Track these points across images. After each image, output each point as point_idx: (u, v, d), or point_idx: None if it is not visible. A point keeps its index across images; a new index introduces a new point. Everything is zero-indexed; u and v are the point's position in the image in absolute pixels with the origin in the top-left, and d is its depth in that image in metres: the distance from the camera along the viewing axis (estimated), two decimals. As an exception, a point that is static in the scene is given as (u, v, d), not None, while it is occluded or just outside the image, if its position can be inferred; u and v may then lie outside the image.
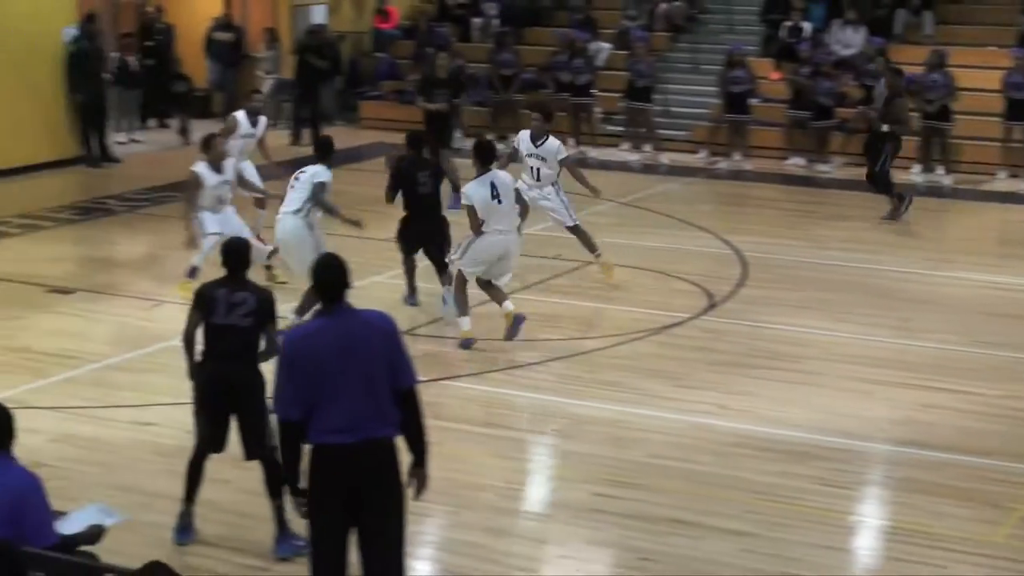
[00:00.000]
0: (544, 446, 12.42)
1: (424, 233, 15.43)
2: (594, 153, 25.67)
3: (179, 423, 12.01)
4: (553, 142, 16.97)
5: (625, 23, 28.41)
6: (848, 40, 26.12)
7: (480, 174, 14.52)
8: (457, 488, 10.76)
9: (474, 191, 14.38)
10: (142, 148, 25.94)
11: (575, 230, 17.04)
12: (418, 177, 15.39)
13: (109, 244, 18.12)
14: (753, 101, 24.98)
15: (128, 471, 11.25)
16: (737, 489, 11.01)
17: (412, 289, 15.77)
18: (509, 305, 14.55)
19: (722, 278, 17.17)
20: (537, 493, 11.46)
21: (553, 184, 17.00)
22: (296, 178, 14.90)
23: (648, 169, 24.82)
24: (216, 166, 15.53)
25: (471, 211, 14.33)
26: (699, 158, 25.14)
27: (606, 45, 28.03)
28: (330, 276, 8.01)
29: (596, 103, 26.31)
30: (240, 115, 17.45)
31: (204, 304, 9.93)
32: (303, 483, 7.99)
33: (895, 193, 20.51)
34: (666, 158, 25.12)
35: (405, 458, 8.07)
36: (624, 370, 13.83)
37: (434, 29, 29.27)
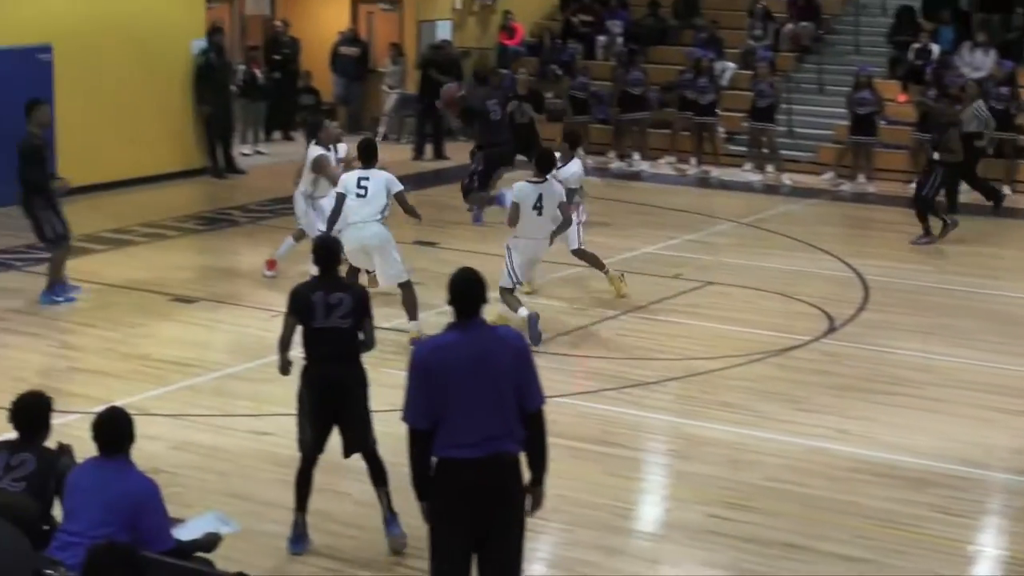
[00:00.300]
0: (659, 466, 12.35)
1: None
2: (716, 172, 25.56)
3: (295, 433, 12.10)
4: (568, 167, 17.06)
5: (751, 43, 28.27)
6: (978, 63, 25.78)
7: (536, 180, 15.08)
8: (571, 506, 10.73)
9: (522, 192, 14.96)
10: (266, 160, 26.19)
11: (579, 253, 17.02)
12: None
13: (232, 254, 18.30)
14: (879, 123, 24.72)
15: (244, 480, 11.34)
16: (853, 515, 10.88)
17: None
18: (524, 311, 14.80)
19: (843, 301, 16.99)
20: (651, 513, 11.40)
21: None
22: (361, 187, 14.87)
23: (770, 190, 24.67)
24: (329, 149, 16.30)
25: (514, 207, 14.95)
26: (824, 179, 24.91)
27: (731, 64, 27.93)
28: (467, 290, 7.98)
29: (720, 122, 26.20)
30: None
31: (301, 309, 9.99)
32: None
33: (942, 216, 20.30)
34: (789, 179, 24.94)
35: (525, 475, 8.06)
36: (742, 391, 13.73)
37: (558, 46, 29.30)
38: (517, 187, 15.16)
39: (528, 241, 15.15)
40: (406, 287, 15.08)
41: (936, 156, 20.24)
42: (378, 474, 10.11)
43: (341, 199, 14.90)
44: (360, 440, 10.04)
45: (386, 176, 15.05)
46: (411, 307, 15.04)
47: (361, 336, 10.08)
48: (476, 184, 21.19)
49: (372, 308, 10.13)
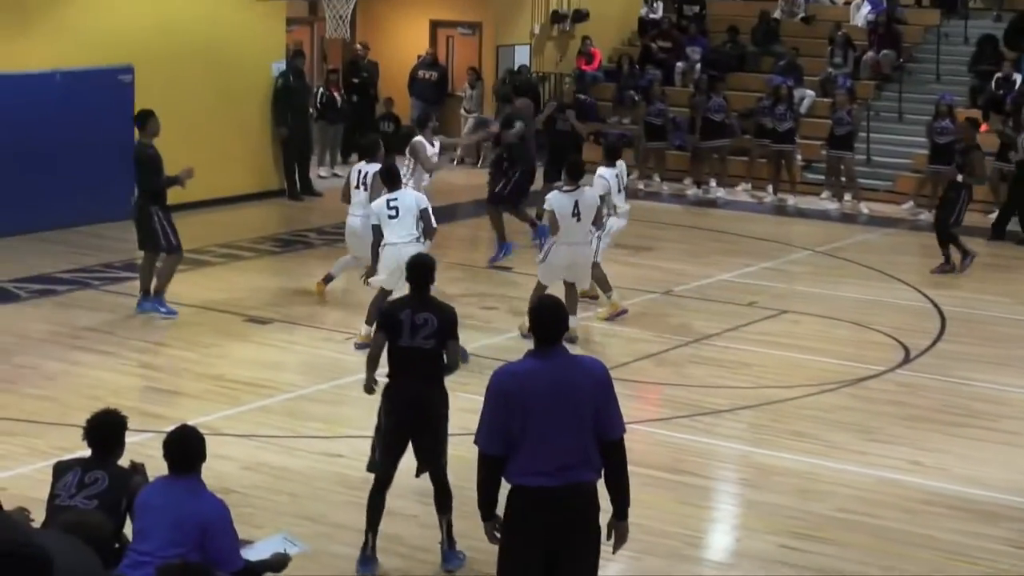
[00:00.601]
0: (730, 495, 12.29)
1: None
2: (792, 201, 25.44)
3: (366, 455, 12.11)
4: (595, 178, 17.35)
5: (830, 71, 28.16)
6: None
7: (569, 189, 15.78)
8: (641, 534, 10.65)
9: (558, 203, 15.66)
10: (342, 183, 26.24)
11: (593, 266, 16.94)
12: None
13: (307, 276, 18.38)
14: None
15: (314, 501, 11.37)
16: (925, 547, 10.78)
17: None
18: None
19: (919, 331, 16.87)
20: (721, 542, 11.34)
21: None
22: (392, 208, 15.01)
23: (847, 218, 24.53)
24: (431, 140, 17.63)
25: (552, 216, 15.61)
26: (904, 209, 24.72)
27: (810, 92, 27.83)
28: (549, 317, 7.95)
29: (798, 150, 26.10)
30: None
31: (390, 326, 10.07)
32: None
33: (963, 247, 20.08)
34: (866, 207, 24.79)
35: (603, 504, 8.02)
36: (814, 421, 13.65)
37: (636, 72, 29.29)
38: (551, 198, 15.91)
39: (566, 247, 15.64)
40: None
41: (960, 179, 20.10)
42: (443, 500, 10.12)
43: (377, 228, 15.06)
44: (433, 461, 10.07)
45: (414, 195, 15.31)
46: None
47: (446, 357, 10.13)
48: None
49: (458, 330, 10.16)
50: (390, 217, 15.00)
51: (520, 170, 20.40)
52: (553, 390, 7.78)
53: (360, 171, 16.89)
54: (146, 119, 16.89)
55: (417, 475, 10.28)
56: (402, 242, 14.89)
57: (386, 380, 10.22)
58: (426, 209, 15.16)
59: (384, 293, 15.46)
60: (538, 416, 7.75)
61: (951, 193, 20.40)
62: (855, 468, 12.42)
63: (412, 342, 9.98)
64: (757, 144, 26.26)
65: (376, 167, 16.44)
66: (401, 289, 15.25)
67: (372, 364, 10.46)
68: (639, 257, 19.56)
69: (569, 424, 7.77)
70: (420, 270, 10.30)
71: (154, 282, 16.89)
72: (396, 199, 15.08)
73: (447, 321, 10.08)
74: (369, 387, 10.63)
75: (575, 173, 15.98)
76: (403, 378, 10.04)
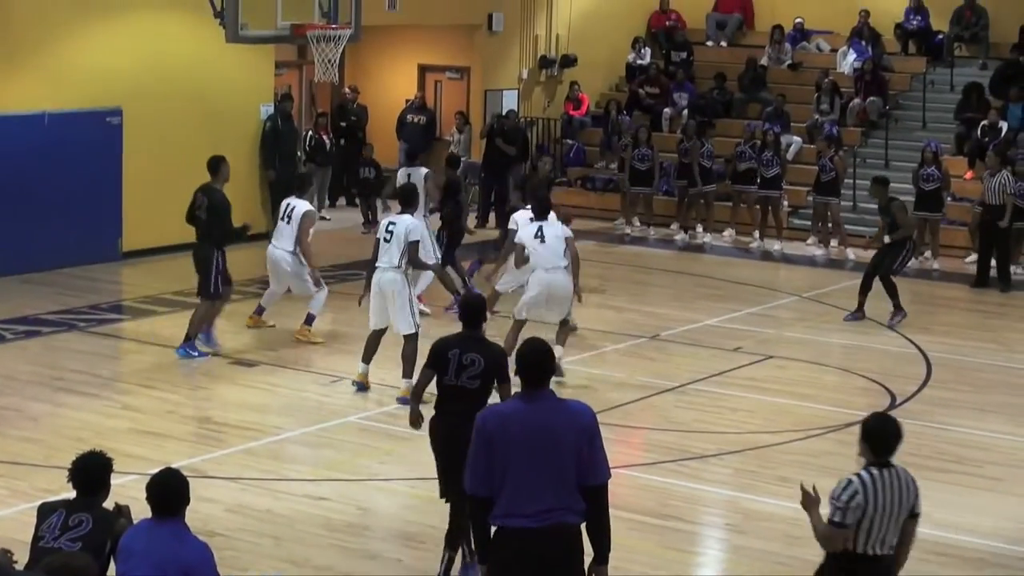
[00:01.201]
0: (716, 540, 12.27)
1: None
2: (778, 246, 25.48)
3: (351, 499, 12.14)
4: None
5: (817, 117, 28.25)
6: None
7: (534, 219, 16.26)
8: (626, 578, 10.67)
9: (522, 224, 16.29)
10: (329, 226, 26.28)
11: None
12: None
13: (292, 319, 18.36)
14: (946, 199, 24.57)
15: (299, 544, 11.32)
16: (912, 594, 10.75)
17: None
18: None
19: (905, 377, 16.88)
20: (707, 587, 11.32)
21: None
22: (388, 231, 15.28)
23: (833, 264, 24.56)
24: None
25: (518, 247, 15.93)
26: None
27: (796, 138, 27.92)
28: (535, 360, 7.98)
29: (784, 196, 26.15)
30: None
31: (437, 362, 10.26)
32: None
33: (898, 302, 19.62)
34: (852, 254, 24.84)
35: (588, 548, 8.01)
36: (801, 466, 13.61)
37: (623, 118, 29.37)
38: (517, 218, 16.97)
39: (541, 272, 15.81)
40: (410, 340, 15.24)
41: (887, 239, 19.70)
42: (453, 536, 10.13)
43: (376, 243, 15.39)
44: (458, 492, 9.95)
45: (408, 224, 15.40)
46: (408, 362, 15.15)
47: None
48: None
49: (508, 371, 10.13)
50: (384, 240, 15.27)
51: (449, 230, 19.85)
52: (536, 434, 7.79)
53: (289, 205, 17.60)
54: (219, 164, 17.26)
55: (441, 496, 10.26)
56: (382, 267, 15.23)
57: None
58: (415, 243, 15.29)
59: (375, 334, 15.52)
60: (520, 459, 7.77)
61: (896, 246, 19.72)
62: (841, 514, 12.38)
63: (457, 381, 10.15)
64: (739, 190, 26.30)
65: (304, 204, 17.26)
66: (382, 321, 15.36)
67: (416, 398, 10.76)
68: (626, 301, 19.56)
69: (551, 468, 7.78)
70: (471, 310, 10.49)
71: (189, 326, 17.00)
72: (395, 224, 15.32)
73: (494, 363, 10.20)
74: (414, 421, 10.84)
75: (540, 211, 16.15)
76: (445, 414, 10.20)
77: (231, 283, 17.38)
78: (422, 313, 16.85)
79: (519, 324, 15.87)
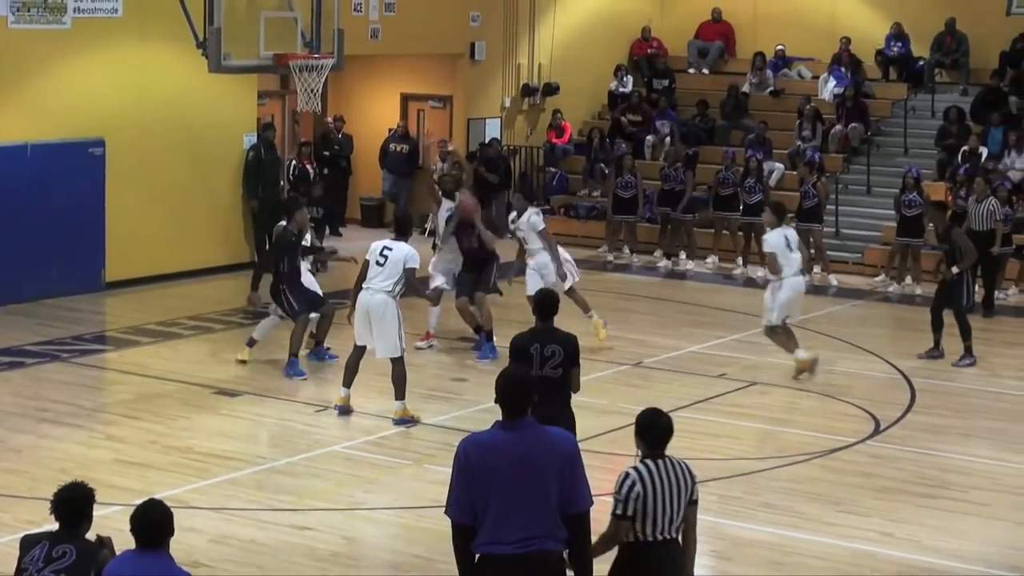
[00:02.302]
0: (701, 567, 12.20)
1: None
2: (761, 273, 25.46)
3: (335, 528, 12.11)
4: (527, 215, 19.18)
5: (799, 143, 28.32)
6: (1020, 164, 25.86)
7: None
8: (611, 606, 10.63)
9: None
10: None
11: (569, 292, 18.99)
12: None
13: (277, 348, 18.33)
14: (927, 225, 24.60)
15: (283, 575, 11.28)
16: (898, 620, 10.76)
17: None
18: None
19: (889, 403, 16.89)
20: (692, 615, 11.28)
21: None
22: (383, 255, 15.45)
23: (817, 290, 24.53)
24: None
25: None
26: (876, 281, 24.70)
27: (779, 165, 27.97)
28: (515, 389, 8.02)
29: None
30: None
31: (521, 358, 10.80)
32: None
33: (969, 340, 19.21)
34: (835, 279, 24.87)
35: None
36: (785, 493, 13.63)
37: (607, 145, 29.41)
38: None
39: (796, 278, 18.03)
40: (397, 363, 15.38)
41: (955, 270, 18.90)
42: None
43: (365, 264, 15.50)
44: None
45: (407, 251, 15.53)
46: (399, 385, 15.39)
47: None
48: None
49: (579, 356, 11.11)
50: (377, 263, 15.38)
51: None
52: (516, 463, 7.81)
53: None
54: (294, 208, 17.98)
55: None
56: (372, 288, 15.34)
57: None
58: (412, 269, 15.45)
59: (357, 350, 15.55)
60: (501, 488, 7.78)
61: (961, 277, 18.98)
62: (827, 540, 12.40)
63: (542, 372, 10.81)
64: (722, 217, 26.34)
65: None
66: (367, 340, 15.39)
67: None
68: (609, 329, 19.53)
69: (532, 496, 7.80)
70: (548, 304, 11.23)
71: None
72: (391, 249, 15.47)
73: (572, 351, 11.06)
74: None
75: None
76: (534, 405, 10.37)
77: (310, 300, 17.75)
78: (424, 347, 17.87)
79: (774, 328, 17.92)
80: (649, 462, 8.44)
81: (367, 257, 15.58)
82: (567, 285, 18.98)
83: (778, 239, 18.01)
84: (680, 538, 8.46)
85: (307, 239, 18.13)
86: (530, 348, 10.90)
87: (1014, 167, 25.96)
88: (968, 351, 18.95)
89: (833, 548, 12.22)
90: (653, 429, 8.57)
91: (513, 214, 19.50)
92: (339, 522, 12.45)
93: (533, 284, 18.29)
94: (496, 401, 8.03)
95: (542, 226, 19.15)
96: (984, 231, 22.23)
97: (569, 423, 10.85)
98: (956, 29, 29.54)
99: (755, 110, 30.07)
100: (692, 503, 8.51)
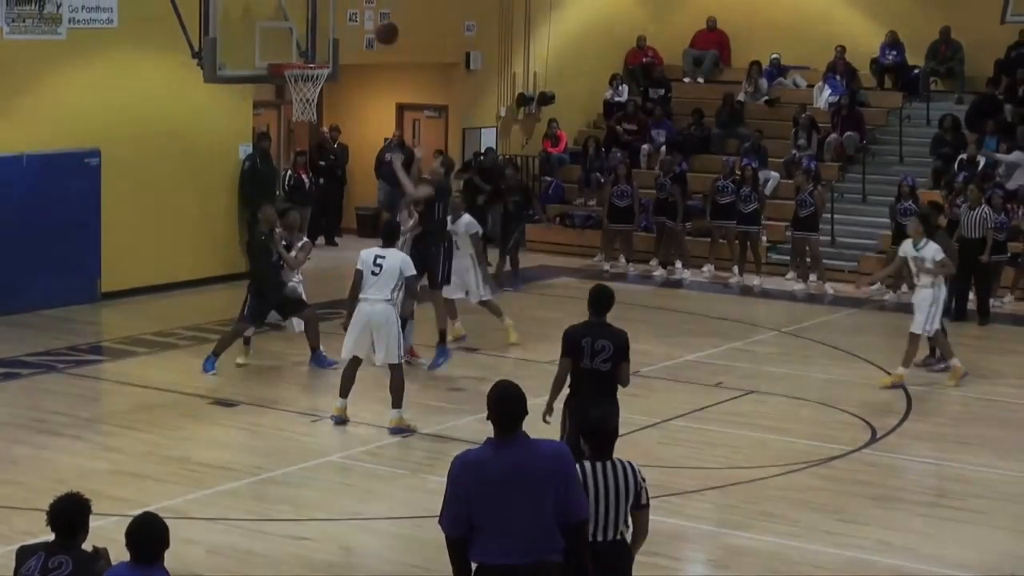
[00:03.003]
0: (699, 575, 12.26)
1: None
2: (758, 281, 25.50)
3: (332, 538, 12.11)
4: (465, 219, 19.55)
5: (794, 152, 28.32)
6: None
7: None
8: (608, 615, 10.62)
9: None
10: (308, 264, 26.14)
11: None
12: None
13: (273, 359, 18.33)
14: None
15: (280, 585, 11.29)
16: (895, 628, 10.76)
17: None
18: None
19: (886, 411, 16.89)
20: (690, 624, 11.29)
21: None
22: (377, 264, 15.46)
23: (813, 299, 24.58)
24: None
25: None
26: (873, 289, 24.67)
27: (774, 174, 27.96)
28: (508, 404, 7.98)
29: (762, 231, 26.20)
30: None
31: (573, 350, 11.38)
32: None
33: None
34: (831, 288, 24.87)
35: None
36: (783, 501, 13.63)
37: (603, 154, 29.42)
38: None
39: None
40: (396, 370, 15.39)
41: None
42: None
43: (359, 274, 15.49)
44: None
45: (402, 258, 15.68)
46: (397, 393, 15.39)
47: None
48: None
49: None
50: (372, 273, 15.41)
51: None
52: (510, 477, 7.81)
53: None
54: (285, 212, 18.84)
55: None
56: (372, 299, 15.34)
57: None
58: (412, 277, 15.63)
59: (353, 363, 15.55)
60: (495, 502, 7.80)
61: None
62: (824, 548, 12.40)
63: (592, 365, 11.30)
64: (718, 225, 26.34)
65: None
66: (362, 351, 15.40)
67: (557, 388, 11.62)
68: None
69: (527, 510, 7.81)
70: (603, 300, 11.55)
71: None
72: (384, 257, 15.51)
73: (622, 345, 11.42)
74: (549, 411, 11.65)
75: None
76: (582, 396, 11.17)
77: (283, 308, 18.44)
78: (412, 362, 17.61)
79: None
80: (595, 463, 8.53)
81: (359, 267, 15.51)
82: (486, 296, 19.53)
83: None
84: (628, 539, 8.61)
85: (295, 239, 18.54)
86: (582, 341, 11.31)
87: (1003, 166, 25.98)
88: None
89: (830, 556, 12.21)
90: (597, 434, 8.68)
91: (450, 217, 19.09)
92: (336, 532, 12.43)
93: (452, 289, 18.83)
94: (488, 417, 8.01)
95: (476, 228, 19.60)
96: (976, 238, 22.28)
97: (614, 413, 11.01)
98: (951, 37, 29.56)
99: (750, 119, 30.08)
100: (641, 507, 8.59)
